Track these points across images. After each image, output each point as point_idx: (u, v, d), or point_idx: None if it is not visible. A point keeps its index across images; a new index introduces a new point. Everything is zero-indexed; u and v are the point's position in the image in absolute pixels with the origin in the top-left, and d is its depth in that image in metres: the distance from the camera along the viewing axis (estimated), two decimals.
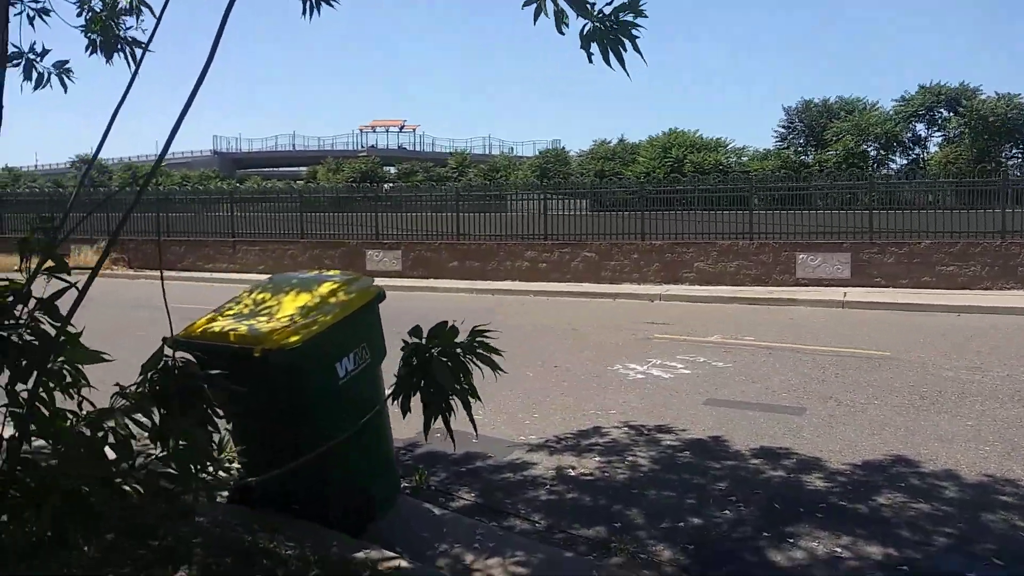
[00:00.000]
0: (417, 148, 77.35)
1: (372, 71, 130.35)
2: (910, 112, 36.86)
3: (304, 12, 3.80)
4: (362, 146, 76.05)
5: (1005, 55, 70.96)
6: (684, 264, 16.13)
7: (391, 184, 45.17)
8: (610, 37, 2.62)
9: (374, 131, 79.53)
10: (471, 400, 2.92)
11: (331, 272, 4.38)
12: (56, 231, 3.05)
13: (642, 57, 2.54)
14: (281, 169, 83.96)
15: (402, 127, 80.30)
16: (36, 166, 76.03)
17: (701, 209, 16.48)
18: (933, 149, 37.42)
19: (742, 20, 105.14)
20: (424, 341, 2.90)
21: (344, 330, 3.86)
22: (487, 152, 71.68)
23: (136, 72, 3.03)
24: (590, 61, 2.58)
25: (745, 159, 42.04)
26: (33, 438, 2.74)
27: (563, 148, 50.19)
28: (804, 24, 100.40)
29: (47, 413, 2.73)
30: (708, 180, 18.37)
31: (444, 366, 2.75)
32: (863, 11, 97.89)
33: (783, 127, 41.45)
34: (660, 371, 7.54)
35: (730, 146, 43.33)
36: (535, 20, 2.59)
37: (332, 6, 3.88)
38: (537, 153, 54.76)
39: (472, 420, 2.83)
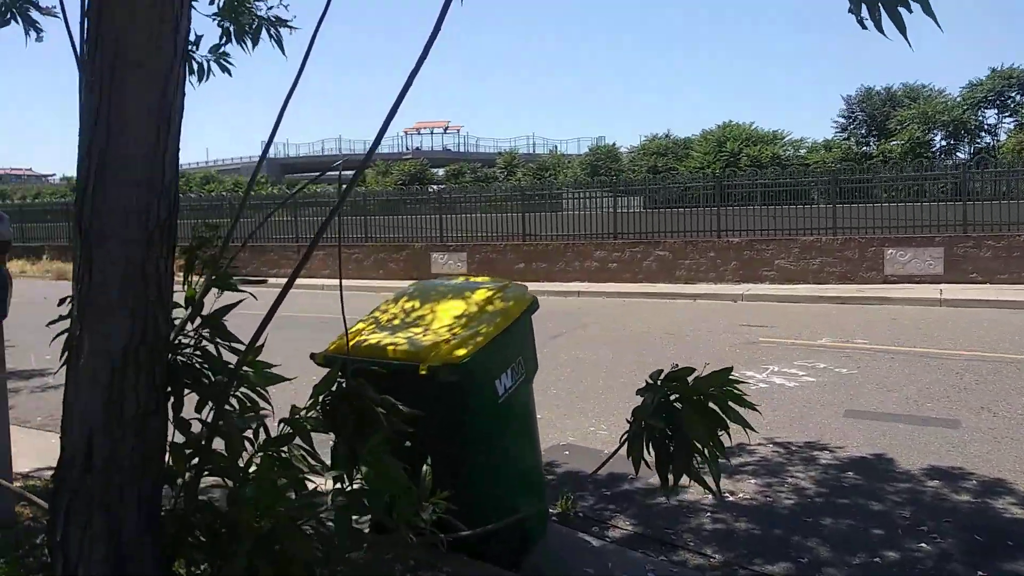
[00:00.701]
0: (462, 149, 77.39)
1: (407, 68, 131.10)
2: (980, 98, 35.37)
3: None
4: (407, 148, 76.37)
5: None
6: (764, 262, 15.50)
7: (440, 186, 45.10)
8: None
9: (419, 133, 79.79)
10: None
11: (479, 278, 4.02)
12: (226, 240, 2.73)
13: (935, 21, 2.08)
14: (329, 173, 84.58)
15: (446, 128, 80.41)
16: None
17: (781, 204, 15.84)
18: (1003, 137, 35.86)
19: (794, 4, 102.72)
20: (660, 383, 2.47)
21: (505, 342, 3.50)
22: (532, 151, 71.30)
23: (308, 54, 2.68)
24: (862, 27, 2.14)
25: (803, 151, 40.91)
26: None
27: (614, 145, 49.55)
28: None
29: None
30: (786, 173, 17.70)
31: (697, 419, 2.33)
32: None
33: (843, 117, 40.23)
34: (782, 379, 7.04)
35: (787, 138, 42.22)
36: None
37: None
38: (585, 150, 54.27)
39: (718, 485, 2.32)
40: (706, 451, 2.35)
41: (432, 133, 79.56)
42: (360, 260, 19.34)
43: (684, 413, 2.33)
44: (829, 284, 14.81)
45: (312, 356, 3.58)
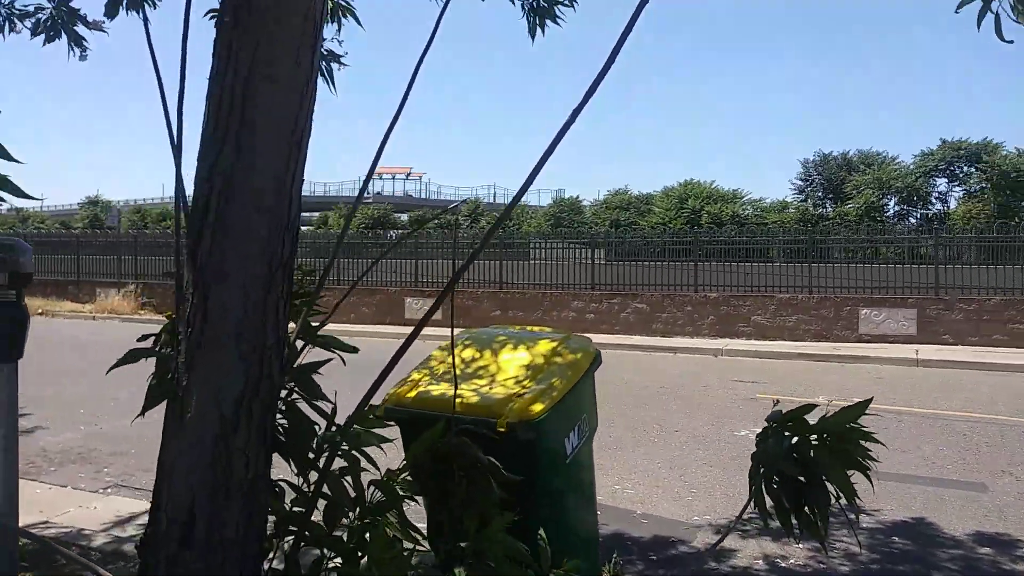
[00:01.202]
0: (423, 195, 77.47)
1: (376, 116, 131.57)
2: (931, 166, 36.76)
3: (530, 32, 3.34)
4: (368, 193, 76.14)
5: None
6: (740, 318, 15.58)
7: (400, 231, 44.80)
8: None
9: (380, 178, 79.67)
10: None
11: (539, 328, 3.81)
12: (321, 281, 2.50)
13: None
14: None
15: (408, 174, 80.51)
16: (43, 207, 75.65)
17: (757, 261, 16.02)
18: (953, 204, 37.28)
19: (755, 70, 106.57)
20: (776, 424, 2.29)
21: (574, 398, 3.29)
22: (492, 199, 71.82)
23: (406, 95, 2.49)
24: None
25: (761, 211, 41.87)
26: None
27: (577, 197, 50.09)
28: (818, 77, 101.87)
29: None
30: (762, 231, 17.97)
31: (834, 460, 2.14)
32: (881, 64, 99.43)
33: (800, 179, 41.34)
34: None
35: (746, 197, 43.20)
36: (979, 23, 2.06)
37: (558, 24, 3.43)
38: (547, 202, 54.79)
39: (825, 532, 2.14)
40: (842, 495, 2.16)
41: (394, 179, 79.52)
42: (327, 303, 18.85)
43: (819, 455, 2.12)
44: (805, 341, 14.93)
45: (367, 407, 3.31)
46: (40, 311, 19.89)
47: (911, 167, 37.41)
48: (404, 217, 58.10)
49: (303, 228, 65.95)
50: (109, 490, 5.37)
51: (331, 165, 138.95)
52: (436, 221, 58.33)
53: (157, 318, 19.44)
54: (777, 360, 13.00)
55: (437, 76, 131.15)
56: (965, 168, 36.67)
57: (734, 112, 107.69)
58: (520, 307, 17.23)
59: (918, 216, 37.13)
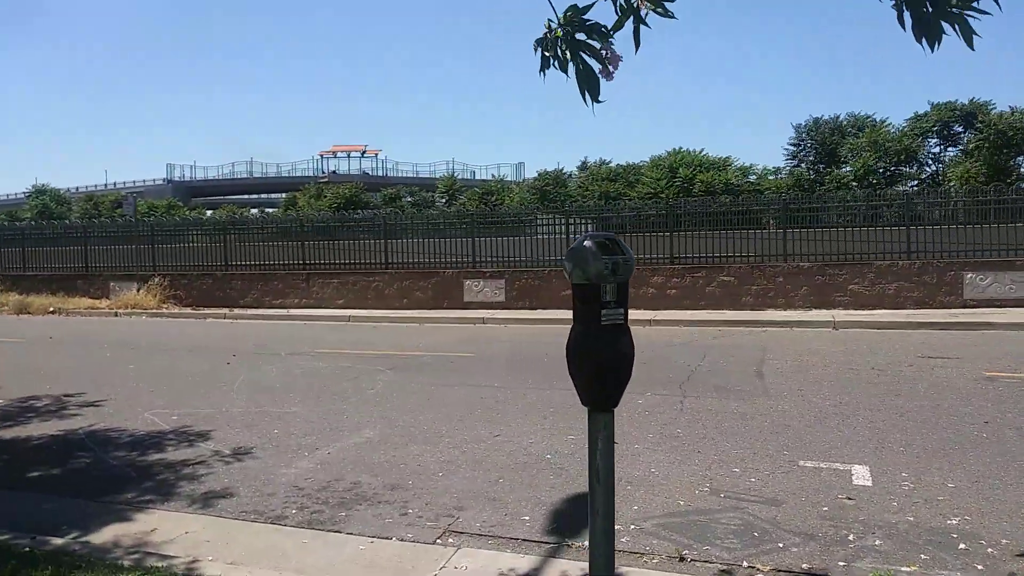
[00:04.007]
0: (380, 173, 75.66)
1: (329, 93, 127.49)
2: (926, 128, 36.84)
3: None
4: (323, 171, 74.12)
5: (1012, 69, 73.21)
6: (836, 287, 14.91)
7: (375, 210, 43.15)
8: None
9: (335, 156, 77.83)
10: None
11: None
12: None
13: None
14: (244, 196, 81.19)
15: (364, 152, 78.66)
16: None
17: (852, 226, 15.34)
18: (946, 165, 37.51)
19: (740, 30, 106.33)
20: None
21: None
22: (452, 176, 70.51)
23: None
24: None
25: (753, 177, 41.55)
26: None
27: (562, 170, 48.96)
28: (804, 42, 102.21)
29: None
30: (854, 195, 17.28)
31: None
32: (866, 29, 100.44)
33: (793, 144, 41.06)
34: None
35: (736, 164, 42.80)
36: None
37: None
38: (516, 176, 53.69)
39: None
40: None
41: (349, 157, 77.64)
42: (380, 288, 17.60)
43: None
44: (905, 308, 14.36)
45: None
46: (52, 309, 18.09)
47: (904, 129, 37.48)
48: (378, 196, 56.31)
49: (269, 210, 64.00)
50: (452, 539, 4.25)
51: (282, 144, 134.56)
52: (411, 198, 56.96)
53: (187, 311, 17.87)
54: (898, 331, 12.34)
55: (391, 51, 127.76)
56: (959, 129, 36.86)
57: (721, 77, 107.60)
58: None
59: (913, 178, 37.30)
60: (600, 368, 2.81)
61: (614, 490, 2.91)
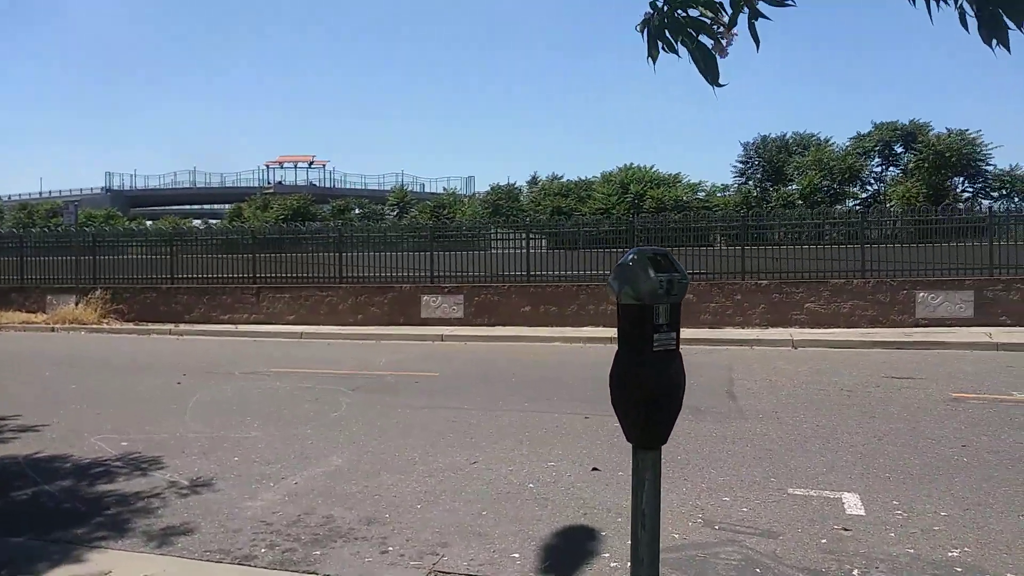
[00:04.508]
0: (328, 184, 74.63)
1: (274, 105, 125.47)
2: (869, 147, 37.95)
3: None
4: (269, 182, 72.82)
5: (948, 92, 75.89)
6: (793, 305, 15.06)
7: (324, 222, 42.35)
8: None
9: (281, 167, 76.55)
10: None
11: None
12: None
13: None
14: (187, 207, 79.19)
15: (311, 163, 77.57)
16: None
17: (808, 244, 15.54)
18: (887, 185, 38.66)
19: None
20: None
21: None
22: (402, 187, 70.08)
23: None
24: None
25: (702, 194, 42.15)
26: None
27: (514, 184, 48.90)
28: (752, 61, 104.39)
29: None
30: (812, 214, 17.52)
31: None
32: (813, 51, 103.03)
33: (741, 162, 41.83)
34: None
35: (686, 181, 43.37)
36: None
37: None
38: (484, 190, 53.40)
39: None
40: None
41: (296, 167, 76.42)
42: (334, 304, 17.13)
43: None
44: (859, 327, 14.57)
45: None
46: None
47: (848, 148, 38.50)
48: (327, 208, 55.40)
49: (213, 222, 62.68)
50: None
51: (226, 154, 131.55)
52: (360, 210, 56.25)
53: (129, 327, 17.12)
54: (856, 350, 12.51)
55: (338, 62, 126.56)
56: (899, 150, 38.04)
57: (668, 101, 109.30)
58: (553, 301, 16.09)
59: (856, 196, 38.31)
60: (652, 399, 2.57)
61: (659, 537, 2.68)
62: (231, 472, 5.83)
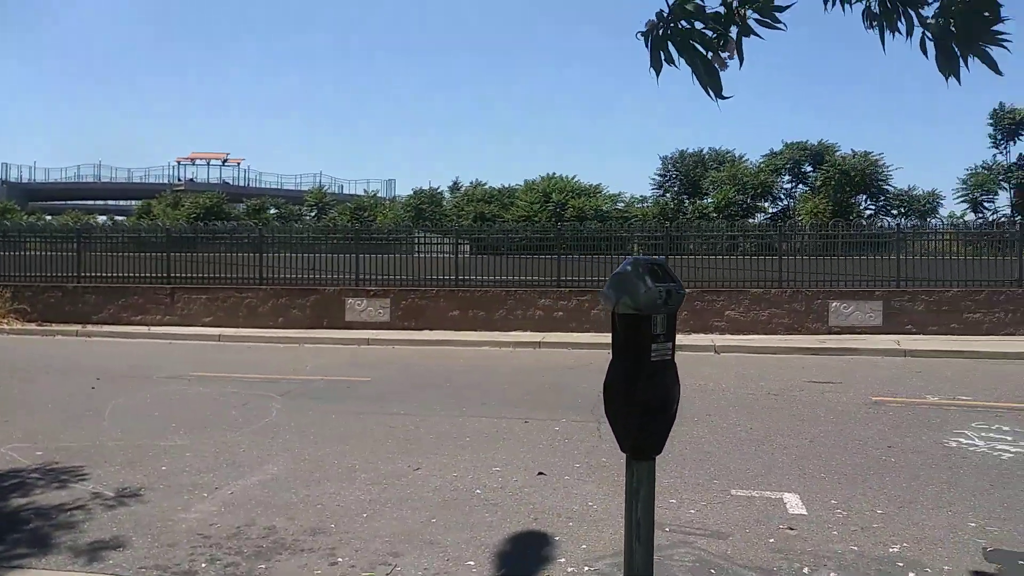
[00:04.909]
0: (242, 183, 72.48)
1: (187, 99, 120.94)
2: (780, 165, 39.55)
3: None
4: (179, 179, 70.27)
5: (853, 116, 79.56)
6: (714, 312, 15.48)
7: (238, 221, 41.04)
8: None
9: (193, 163, 73.90)
10: None
11: None
12: None
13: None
14: (91, 202, 75.45)
15: (225, 160, 75.13)
16: None
17: (730, 255, 16.01)
18: (795, 201, 40.35)
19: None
20: None
21: None
22: (320, 188, 68.83)
23: None
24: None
25: (622, 205, 42.98)
26: None
27: (437, 189, 48.66)
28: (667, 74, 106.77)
29: None
30: (729, 226, 18.02)
31: None
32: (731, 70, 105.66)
33: (659, 175, 42.90)
34: (1004, 445, 6.56)
35: (606, 191, 44.15)
36: None
37: None
38: (406, 193, 52.86)
39: None
40: None
41: (209, 164, 73.91)
42: (254, 306, 16.58)
43: None
44: (776, 335, 15.10)
45: None
46: None
47: (761, 165, 40.04)
48: (243, 206, 53.73)
49: (120, 218, 59.94)
50: None
51: (136, 148, 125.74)
52: (276, 211, 54.78)
53: (32, 327, 16.15)
54: (773, 356, 12.92)
55: (254, 56, 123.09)
56: (808, 168, 39.82)
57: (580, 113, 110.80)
58: (481, 306, 16.04)
59: (768, 211, 39.88)
60: (648, 410, 2.55)
61: (653, 549, 2.64)
62: (160, 482, 5.52)
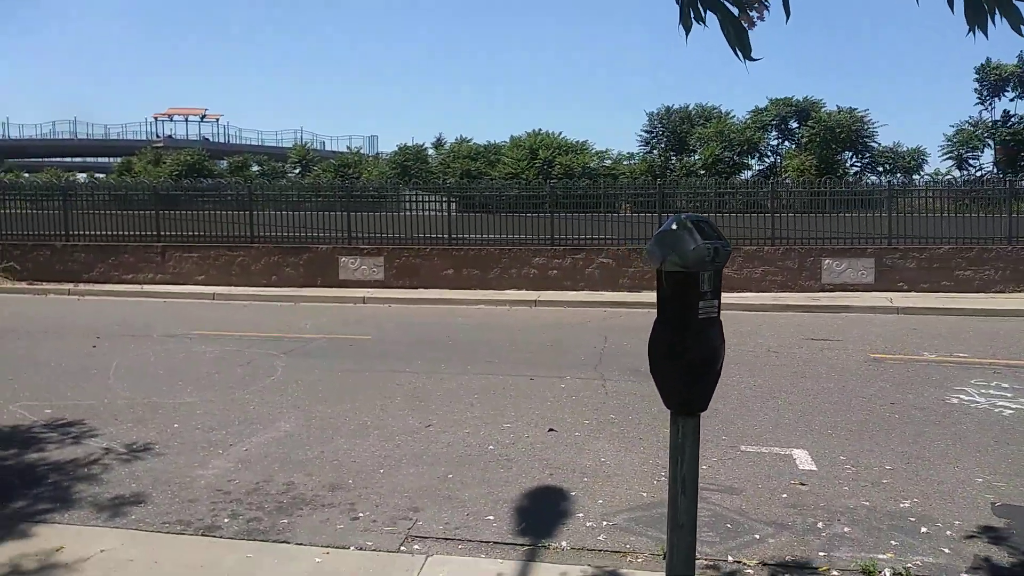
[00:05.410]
0: (222, 140, 71.38)
1: (165, 54, 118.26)
2: (766, 121, 39.41)
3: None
4: (158, 135, 69.05)
5: (836, 72, 79.06)
6: None
7: (223, 179, 40.51)
8: None
9: (171, 119, 72.52)
10: None
11: None
12: None
13: None
14: (68, 160, 74.11)
15: (203, 116, 73.74)
16: None
17: (728, 212, 16.02)
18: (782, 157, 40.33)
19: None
20: None
21: None
22: (302, 144, 67.89)
23: None
24: None
25: (609, 162, 42.77)
26: None
27: (422, 145, 48.15)
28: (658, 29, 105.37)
29: None
30: (723, 183, 18.00)
31: None
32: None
33: (646, 131, 42.66)
34: (1005, 401, 6.69)
35: (593, 148, 43.88)
36: None
37: None
38: (391, 150, 52.28)
39: None
40: None
41: (187, 121, 72.59)
42: (246, 264, 16.46)
43: None
44: (770, 292, 15.21)
45: None
46: None
47: (747, 121, 39.86)
48: (224, 163, 52.97)
49: (99, 175, 59.12)
50: (417, 545, 3.89)
51: (113, 104, 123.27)
52: (259, 168, 54.03)
53: (22, 286, 15.97)
54: (770, 313, 13.01)
55: (233, 15, 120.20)
56: (794, 124, 39.72)
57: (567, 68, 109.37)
58: (475, 265, 16.00)
59: (754, 168, 39.84)
60: (694, 367, 2.57)
61: (697, 502, 2.69)
62: (174, 439, 5.54)
